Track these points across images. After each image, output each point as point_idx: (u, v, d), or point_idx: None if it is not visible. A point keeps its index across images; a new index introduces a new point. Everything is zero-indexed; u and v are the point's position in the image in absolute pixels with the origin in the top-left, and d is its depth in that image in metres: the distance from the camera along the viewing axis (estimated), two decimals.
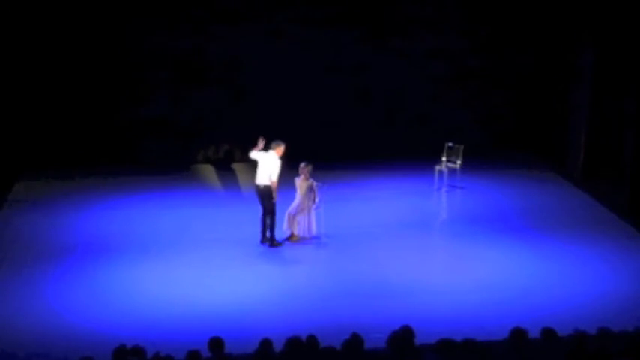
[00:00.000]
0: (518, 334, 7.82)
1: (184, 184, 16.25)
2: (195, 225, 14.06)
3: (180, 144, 17.32)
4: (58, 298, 11.37)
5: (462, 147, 15.80)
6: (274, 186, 12.89)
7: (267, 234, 13.15)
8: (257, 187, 13.08)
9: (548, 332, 7.95)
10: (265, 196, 12.96)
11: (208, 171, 17.24)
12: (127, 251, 12.91)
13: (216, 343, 7.91)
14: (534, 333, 8.01)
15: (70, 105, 16.71)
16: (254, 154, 13.10)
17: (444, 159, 15.91)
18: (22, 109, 16.42)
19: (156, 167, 16.79)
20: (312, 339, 7.91)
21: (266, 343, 8.00)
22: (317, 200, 13.20)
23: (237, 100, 17.09)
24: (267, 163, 12.92)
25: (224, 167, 17.26)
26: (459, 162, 15.77)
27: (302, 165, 13.12)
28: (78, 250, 12.99)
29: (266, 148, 13.03)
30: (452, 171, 15.85)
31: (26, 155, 16.52)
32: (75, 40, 16.41)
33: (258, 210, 13.16)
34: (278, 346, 7.99)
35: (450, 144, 15.91)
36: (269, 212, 13.03)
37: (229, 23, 16.89)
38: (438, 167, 15.88)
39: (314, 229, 13.30)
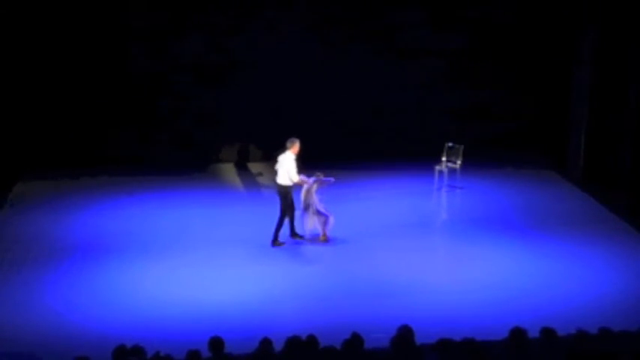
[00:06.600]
0: (518, 334, 7.82)
1: (184, 184, 16.23)
2: (195, 225, 14.05)
3: (184, 144, 17.33)
4: (58, 297, 11.37)
5: (462, 147, 15.79)
6: (295, 184, 12.96)
7: (293, 229, 13.20)
8: (276, 186, 13.18)
9: (548, 332, 7.95)
10: (282, 195, 13.04)
11: (225, 170, 17.23)
12: (127, 251, 12.90)
13: (216, 343, 7.92)
14: (534, 333, 8.01)
15: (70, 105, 16.69)
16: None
17: (444, 159, 15.90)
18: (22, 109, 16.41)
19: (156, 167, 16.79)
20: (312, 339, 7.91)
21: (266, 343, 8.00)
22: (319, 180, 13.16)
23: (238, 100, 17.09)
24: (285, 163, 13.00)
25: (237, 166, 17.30)
26: (459, 162, 15.76)
27: (318, 175, 13.14)
28: (78, 250, 12.98)
29: (283, 149, 13.07)
30: (452, 171, 15.84)
31: (26, 155, 16.51)
32: (74, 40, 16.39)
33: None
34: (278, 346, 8.00)
35: (450, 144, 15.90)
36: (287, 210, 13.07)
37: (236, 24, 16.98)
38: (438, 167, 15.87)
39: (326, 225, 13.27)
